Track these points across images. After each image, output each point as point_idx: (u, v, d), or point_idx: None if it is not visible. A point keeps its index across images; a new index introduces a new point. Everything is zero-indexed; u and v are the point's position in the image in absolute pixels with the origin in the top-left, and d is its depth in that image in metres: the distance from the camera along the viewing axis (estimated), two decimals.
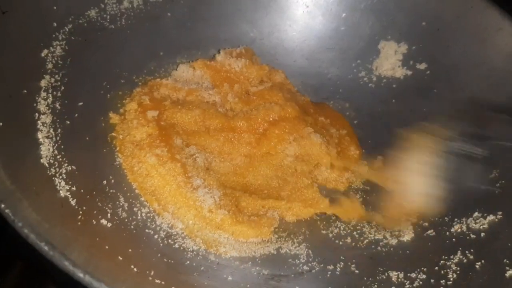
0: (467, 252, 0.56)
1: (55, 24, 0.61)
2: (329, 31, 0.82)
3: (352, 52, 0.82)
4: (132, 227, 0.56)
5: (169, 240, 0.57)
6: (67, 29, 0.63)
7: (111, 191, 0.58)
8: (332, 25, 0.82)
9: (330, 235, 0.65)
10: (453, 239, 0.59)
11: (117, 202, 0.57)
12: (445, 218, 0.62)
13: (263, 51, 0.82)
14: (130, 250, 0.51)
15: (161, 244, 0.56)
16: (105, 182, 0.58)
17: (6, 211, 0.38)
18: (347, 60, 0.82)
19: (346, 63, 0.82)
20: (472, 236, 0.58)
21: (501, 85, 0.68)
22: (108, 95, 0.66)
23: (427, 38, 0.77)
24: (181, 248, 0.57)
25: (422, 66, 0.77)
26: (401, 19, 0.78)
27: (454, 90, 0.73)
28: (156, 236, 0.57)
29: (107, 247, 0.48)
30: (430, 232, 0.62)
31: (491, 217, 0.59)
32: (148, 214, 0.59)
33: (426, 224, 0.63)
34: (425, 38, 0.77)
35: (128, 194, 0.60)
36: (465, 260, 0.56)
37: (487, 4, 0.71)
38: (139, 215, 0.58)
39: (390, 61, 0.79)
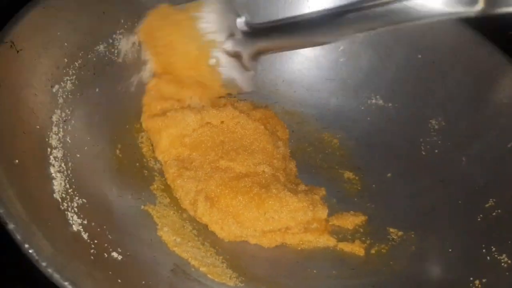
0: None
1: (66, 60, 0.63)
2: (328, 62, 0.85)
3: (351, 82, 0.84)
4: (142, 258, 0.57)
5: (177, 270, 0.58)
6: (77, 64, 0.64)
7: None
8: (331, 57, 0.84)
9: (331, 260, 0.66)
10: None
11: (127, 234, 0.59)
12: (449, 249, 0.64)
13: (265, 81, 0.85)
14: (143, 282, 0.52)
15: (169, 275, 0.57)
16: (114, 214, 0.59)
17: (30, 251, 0.39)
18: (346, 90, 0.84)
19: (345, 94, 0.84)
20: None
21: (495, 117, 0.71)
22: (117, 127, 0.68)
23: (423, 70, 0.80)
24: (188, 278, 0.58)
25: None
26: (397, 51, 0.81)
27: (449, 121, 0.76)
28: (164, 267, 0.58)
29: (119, 280, 0.49)
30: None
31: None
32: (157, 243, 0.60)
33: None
34: (421, 70, 0.80)
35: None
36: None
37: (480, 40, 0.74)
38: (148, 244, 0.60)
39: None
